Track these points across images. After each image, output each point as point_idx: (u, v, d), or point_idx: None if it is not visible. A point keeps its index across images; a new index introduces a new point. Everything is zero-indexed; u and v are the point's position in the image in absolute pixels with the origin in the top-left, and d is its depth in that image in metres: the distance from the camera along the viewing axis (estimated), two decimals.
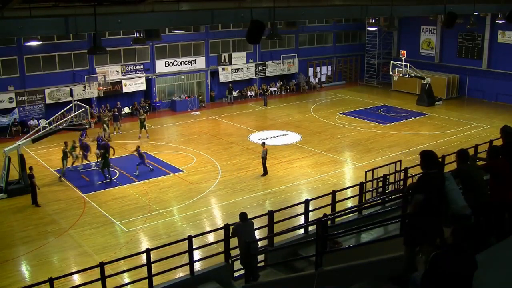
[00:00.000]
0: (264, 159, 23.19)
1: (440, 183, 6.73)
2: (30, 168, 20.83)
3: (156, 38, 15.69)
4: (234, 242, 11.96)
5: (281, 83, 42.27)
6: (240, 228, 11.70)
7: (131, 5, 13.84)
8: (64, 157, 23.16)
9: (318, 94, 42.26)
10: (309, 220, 13.49)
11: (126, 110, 34.73)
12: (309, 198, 14.33)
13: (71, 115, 24.74)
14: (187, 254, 11.99)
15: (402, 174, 17.20)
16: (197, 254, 13.43)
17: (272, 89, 41.42)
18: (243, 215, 11.83)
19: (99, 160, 23.49)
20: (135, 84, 34.64)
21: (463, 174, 7.58)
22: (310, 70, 44.39)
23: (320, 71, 45.22)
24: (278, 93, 41.68)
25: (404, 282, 6.80)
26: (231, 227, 11.98)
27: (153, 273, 11.41)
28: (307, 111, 35.99)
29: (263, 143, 23.96)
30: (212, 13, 14.91)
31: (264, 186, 22.08)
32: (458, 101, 39.74)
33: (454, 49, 41.84)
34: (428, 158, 6.70)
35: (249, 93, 40.27)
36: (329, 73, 46.04)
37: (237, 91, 39.73)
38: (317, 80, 44.37)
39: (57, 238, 17.54)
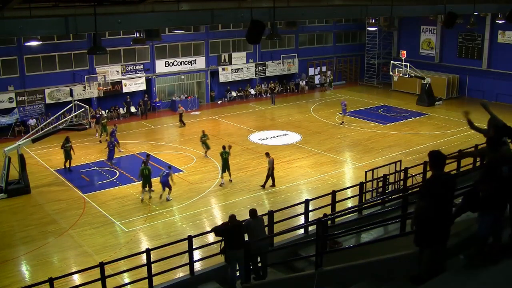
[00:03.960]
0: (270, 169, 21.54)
1: (449, 185, 6.65)
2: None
3: (156, 38, 15.69)
4: None
5: (280, 83, 42.13)
6: (252, 225, 11.70)
7: (131, 5, 13.87)
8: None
9: (318, 94, 42.26)
10: (309, 220, 13.50)
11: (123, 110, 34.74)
12: (309, 198, 14.33)
13: (71, 115, 24.75)
14: (187, 254, 12.00)
15: (402, 174, 17.23)
16: (197, 254, 13.45)
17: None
18: (253, 212, 11.81)
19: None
20: (135, 84, 34.63)
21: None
22: (311, 70, 44.37)
23: (320, 71, 45.18)
24: (278, 93, 41.64)
25: (423, 281, 6.69)
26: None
27: (153, 273, 11.42)
28: (307, 111, 35.98)
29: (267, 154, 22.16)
30: (212, 13, 14.93)
31: None
32: (458, 101, 39.69)
33: (454, 49, 41.83)
34: (434, 158, 6.57)
35: (251, 92, 40.25)
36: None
37: (236, 90, 39.69)
38: (328, 80, 43.87)
39: (57, 238, 17.54)
